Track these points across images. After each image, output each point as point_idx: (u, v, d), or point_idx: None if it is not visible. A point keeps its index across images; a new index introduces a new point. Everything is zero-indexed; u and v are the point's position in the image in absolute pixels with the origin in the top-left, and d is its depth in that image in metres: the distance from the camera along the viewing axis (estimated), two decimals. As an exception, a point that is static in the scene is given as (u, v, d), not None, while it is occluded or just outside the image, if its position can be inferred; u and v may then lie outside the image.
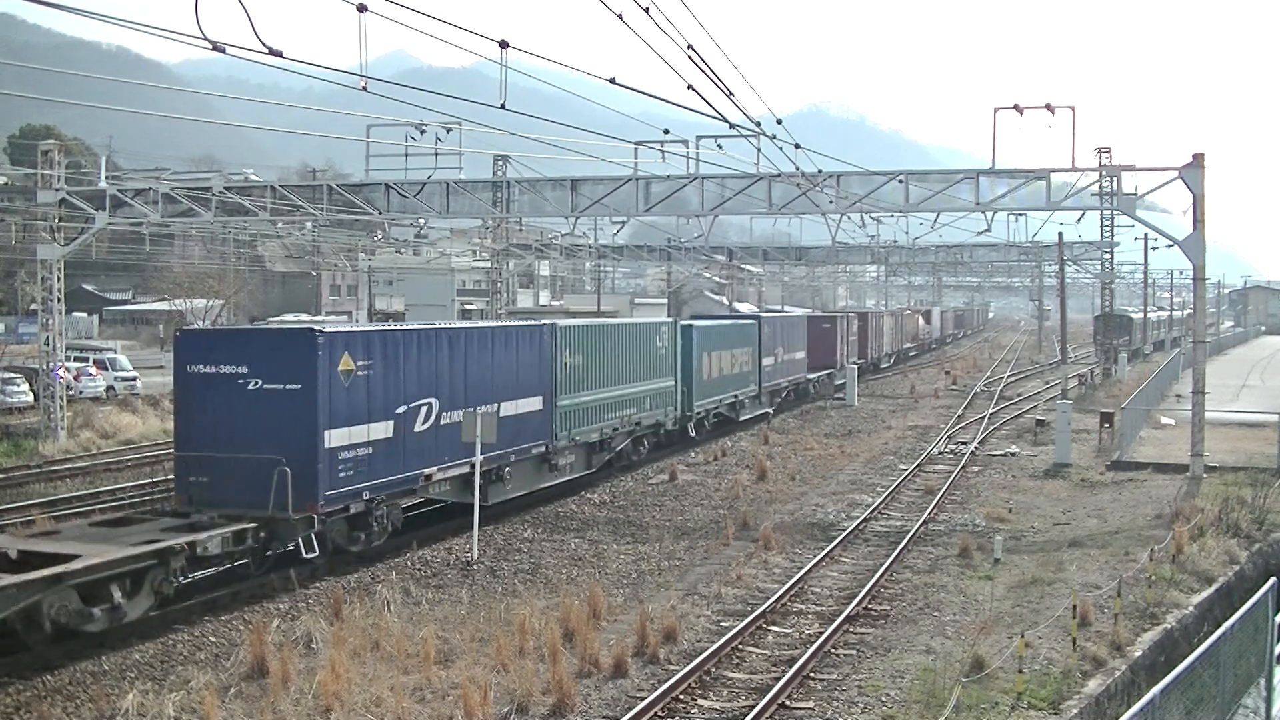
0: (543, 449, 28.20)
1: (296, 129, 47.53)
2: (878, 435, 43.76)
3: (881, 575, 21.45)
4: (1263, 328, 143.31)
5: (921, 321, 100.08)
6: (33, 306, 59.04)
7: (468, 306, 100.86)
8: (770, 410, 48.41)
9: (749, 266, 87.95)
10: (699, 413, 39.32)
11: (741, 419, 44.55)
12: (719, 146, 33.70)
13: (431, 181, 37.29)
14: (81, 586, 16.66)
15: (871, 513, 27.78)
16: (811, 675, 16.14)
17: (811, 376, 56.78)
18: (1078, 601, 17.74)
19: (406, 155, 36.59)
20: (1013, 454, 38.35)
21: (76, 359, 52.67)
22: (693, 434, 39.12)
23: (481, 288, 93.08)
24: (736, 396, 43.61)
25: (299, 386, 20.32)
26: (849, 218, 41.03)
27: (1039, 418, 45.17)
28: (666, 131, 30.53)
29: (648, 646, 16.82)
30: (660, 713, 14.66)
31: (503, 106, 18.80)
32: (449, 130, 34.80)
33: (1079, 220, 43.16)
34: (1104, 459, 35.80)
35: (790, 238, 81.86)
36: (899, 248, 70.64)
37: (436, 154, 36.14)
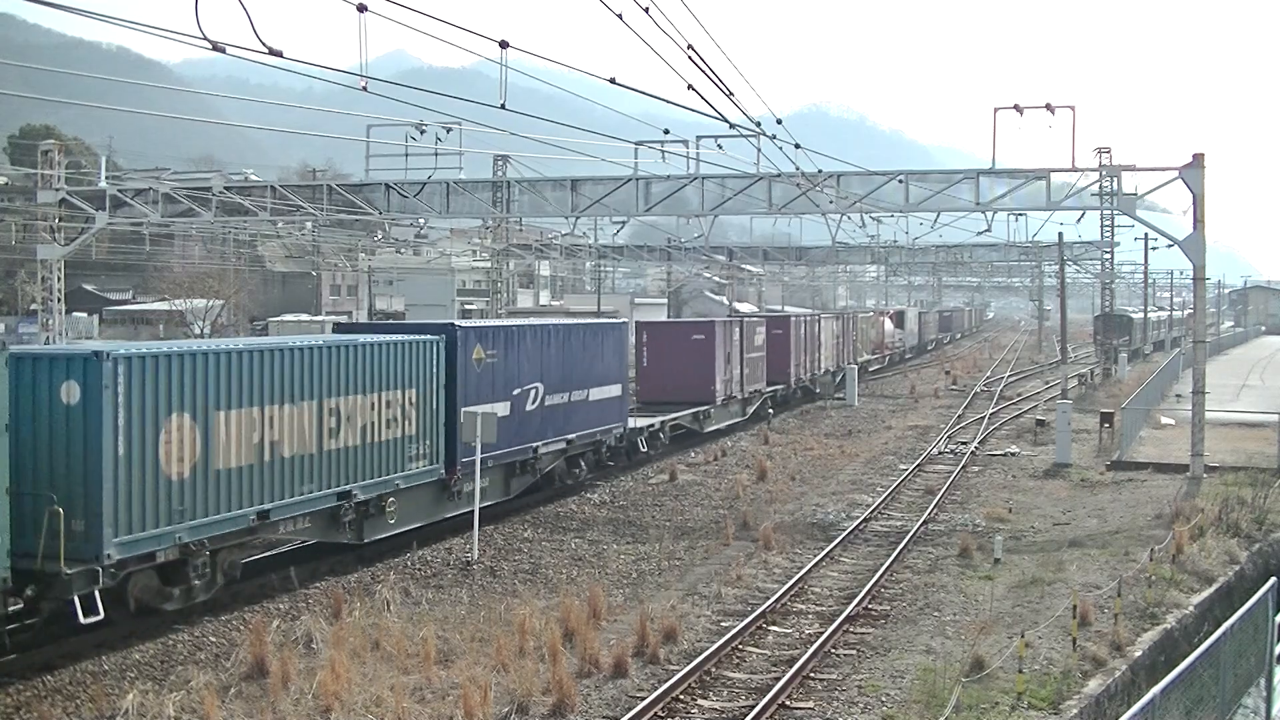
0: None
1: (296, 129, 47.65)
2: (878, 435, 43.76)
3: (881, 575, 21.45)
4: (1263, 328, 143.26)
5: (888, 325, 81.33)
6: (33, 306, 59.04)
7: (468, 306, 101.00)
8: (503, 498, 27.08)
9: (749, 266, 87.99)
10: (132, 557, 16.95)
11: (371, 539, 22.15)
12: (719, 146, 33.72)
13: (431, 181, 37.34)
14: None
15: (871, 513, 27.78)
16: (811, 675, 16.15)
17: (645, 424, 35.11)
18: (1078, 601, 17.75)
19: (406, 155, 36.64)
20: (1013, 454, 38.35)
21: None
22: (96, 616, 16.24)
23: (481, 288, 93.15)
24: (350, 497, 21.07)
25: None
26: (849, 218, 41.06)
27: (1039, 418, 45.16)
28: (666, 131, 30.56)
29: (648, 646, 16.82)
30: (660, 713, 14.67)
31: (503, 106, 18.82)
32: (449, 130, 34.84)
33: (1079, 220, 43.21)
34: (1104, 459, 35.79)
35: (790, 238, 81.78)
36: (899, 248, 70.65)
37: (436, 154, 36.19)
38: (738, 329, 43.27)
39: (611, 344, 32.25)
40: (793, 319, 53.41)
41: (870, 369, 70.91)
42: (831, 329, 60.55)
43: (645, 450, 35.00)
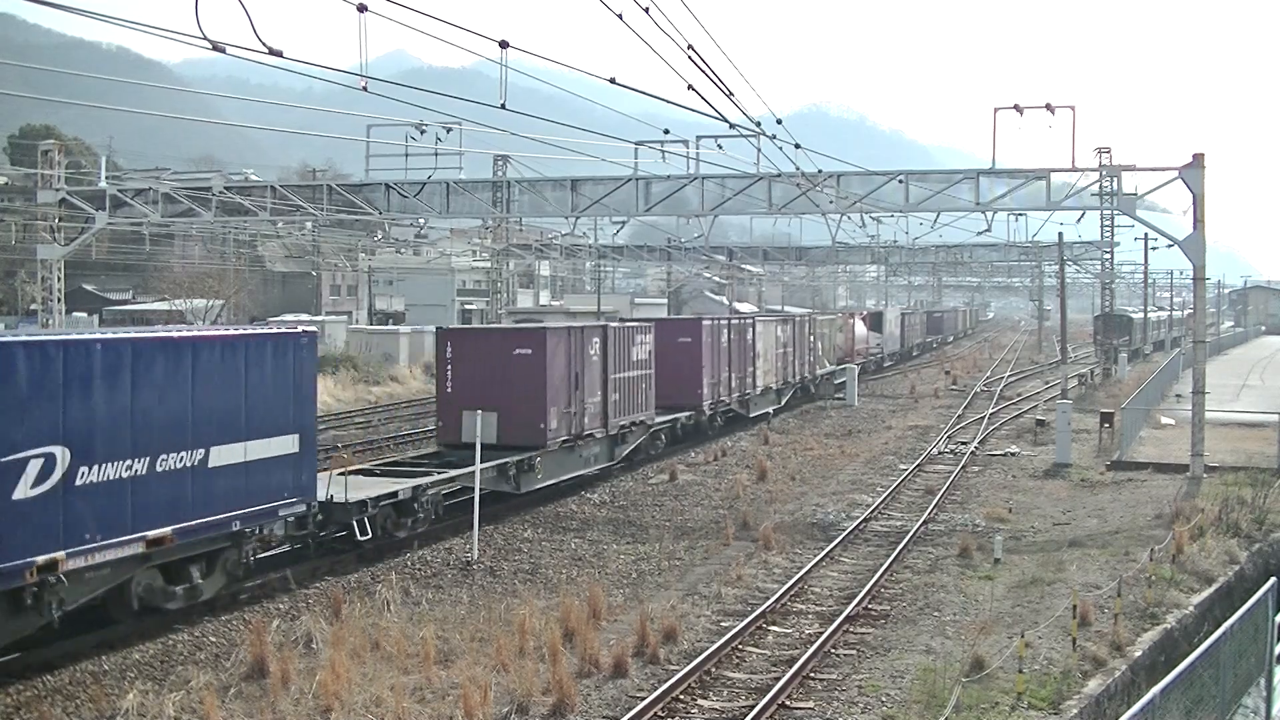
0: None
1: (296, 129, 47.64)
2: (878, 435, 43.75)
3: (881, 575, 21.45)
4: (1263, 328, 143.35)
5: (860, 329, 69.18)
6: (33, 306, 59.07)
7: (468, 306, 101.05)
8: None
9: (749, 266, 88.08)
10: None
11: None
12: (719, 146, 33.75)
13: (431, 181, 37.38)
14: None
15: (871, 513, 27.78)
16: (811, 675, 16.15)
17: (376, 494, 22.86)
18: (1078, 601, 17.75)
19: (406, 155, 36.68)
20: (1013, 454, 38.35)
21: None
22: None
23: (481, 288, 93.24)
24: None
25: None
26: (849, 218, 41.08)
27: (1039, 418, 45.17)
28: (666, 131, 30.59)
29: (648, 646, 16.82)
30: (660, 713, 14.67)
31: (503, 106, 18.85)
32: (449, 130, 34.86)
33: (1079, 220, 43.24)
34: (1104, 459, 35.80)
35: (790, 238, 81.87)
36: (899, 248, 70.76)
37: (436, 154, 36.23)
38: (598, 338, 31.07)
39: (274, 371, 19.57)
40: (705, 323, 41.12)
41: (835, 381, 58.28)
42: (774, 335, 48.70)
43: (368, 535, 22.11)
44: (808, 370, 54.56)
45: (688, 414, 38.97)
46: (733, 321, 44.58)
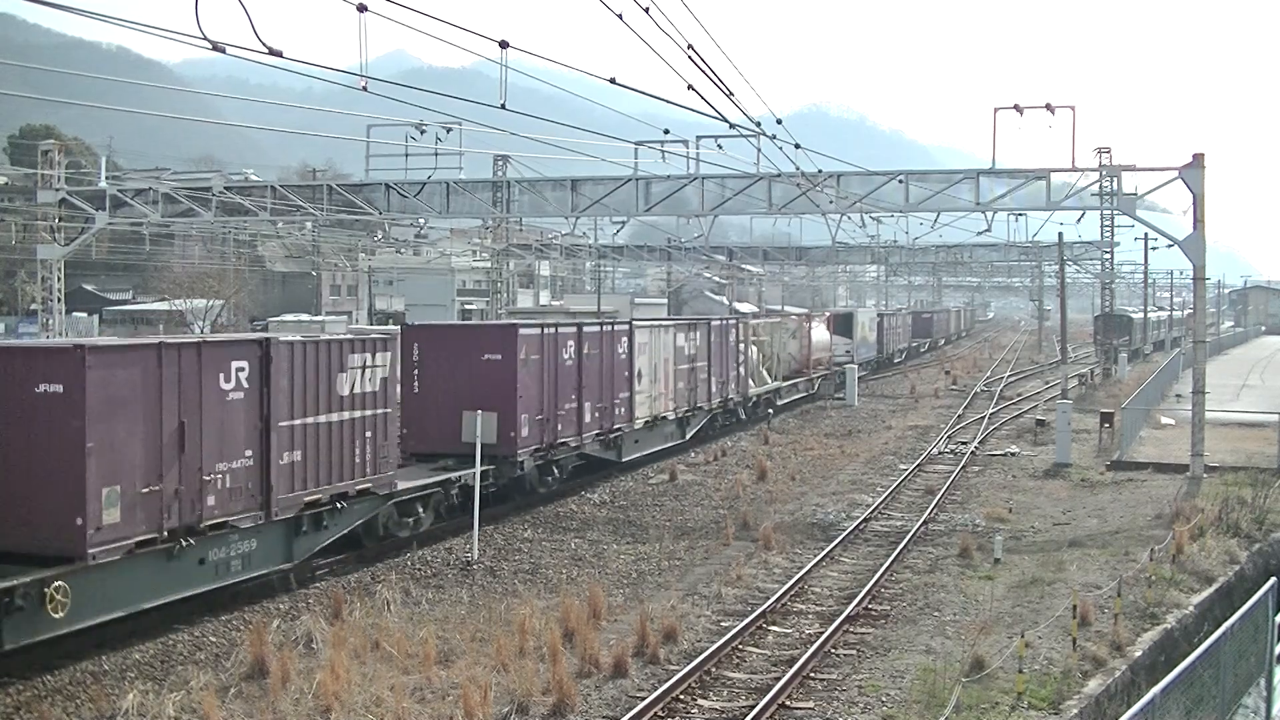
0: None
1: (296, 129, 47.63)
2: (878, 435, 43.74)
3: (881, 575, 21.44)
4: (1263, 328, 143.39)
5: (820, 334, 56.69)
6: (33, 306, 59.07)
7: (468, 306, 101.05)
8: None
9: (749, 266, 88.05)
10: None
11: None
12: (719, 146, 33.76)
13: (431, 181, 37.40)
14: None
15: (871, 513, 27.77)
16: (811, 675, 16.14)
17: None
18: (1078, 601, 17.74)
19: (406, 155, 36.70)
20: (1013, 454, 38.34)
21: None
22: None
23: (481, 288, 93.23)
24: None
25: None
26: (849, 218, 41.10)
27: (1039, 418, 45.16)
28: (666, 131, 30.60)
29: (648, 646, 16.82)
30: (660, 713, 14.66)
31: (503, 106, 18.84)
32: (449, 130, 34.87)
33: (1079, 220, 43.24)
34: (1104, 459, 35.79)
35: (790, 238, 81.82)
36: (899, 248, 70.73)
37: (436, 154, 36.25)
38: (242, 363, 18.40)
39: None
40: (524, 332, 27.22)
41: (780, 401, 49.03)
42: (670, 345, 35.56)
43: None
44: (733, 391, 41.96)
45: (492, 466, 25.38)
46: (587, 329, 30.64)
